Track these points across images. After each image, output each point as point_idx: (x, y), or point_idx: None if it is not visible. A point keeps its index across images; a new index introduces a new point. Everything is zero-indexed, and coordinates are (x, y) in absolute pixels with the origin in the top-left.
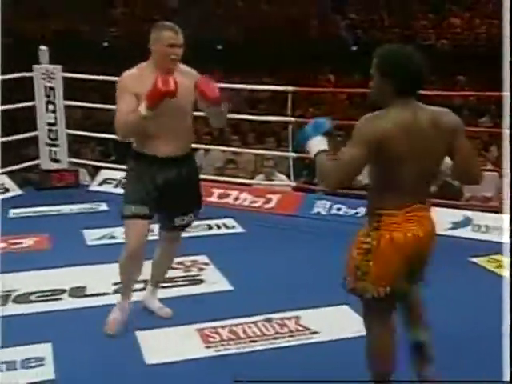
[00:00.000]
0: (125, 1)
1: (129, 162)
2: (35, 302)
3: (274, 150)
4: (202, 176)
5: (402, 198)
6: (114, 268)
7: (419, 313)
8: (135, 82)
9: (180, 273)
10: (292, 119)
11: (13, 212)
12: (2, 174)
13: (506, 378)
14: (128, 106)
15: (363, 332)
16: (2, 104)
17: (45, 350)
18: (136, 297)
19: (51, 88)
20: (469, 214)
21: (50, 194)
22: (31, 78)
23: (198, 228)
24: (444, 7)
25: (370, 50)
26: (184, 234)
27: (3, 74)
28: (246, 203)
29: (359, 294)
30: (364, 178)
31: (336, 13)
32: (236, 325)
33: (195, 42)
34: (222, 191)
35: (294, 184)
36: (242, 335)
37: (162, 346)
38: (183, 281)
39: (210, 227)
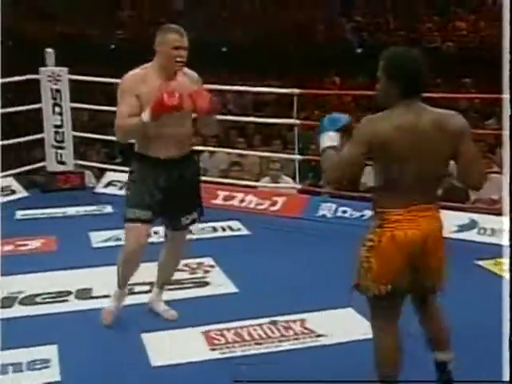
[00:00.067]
0: (132, 3)
1: (132, 165)
2: (41, 303)
3: (280, 153)
4: (207, 178)
5: (405, 198)
6: None
7: (441, 330)
8: (138, 83)
9: (185, 275)
10: (297, 122)
11: (19, 214)
12: (9, 176)
13: (506, 378)
14: (129, 109)
15: (369, 335)
16: (9, 106)
17: (50, 351)
18: (141, 299)
19: (57, 90)
20: (475, 216)
21: (56, 196)
22: (38, 81)
23: (203, 230)
24: (449, 10)
25: (375, 53)
26: (189, 237)
27: (10, 76)
28: (252, 205)
29: (363, 291)
30: (369, 180)
31: (342, 16)
32: (241, 327)
33: (200, 45)
34: (227, 193)
35: (299, 186)
36: (247, 338)
37: (168, 348)
38: (189, 283)
39: (215, 229)
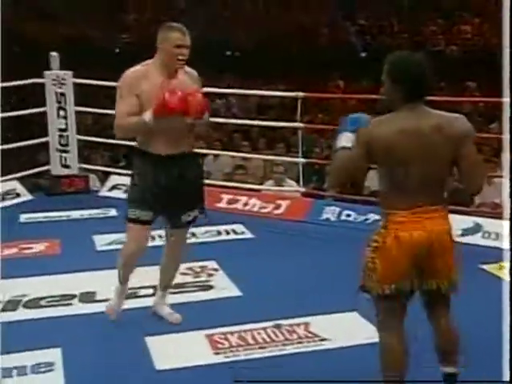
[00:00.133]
0: (137, 7)
1: (134, 161)
2: (45, 307)
3: (284, 156)
4: (211, 181)
5: (409, 200)
6: None
7: (450, 343)
8: (140, 80)
9: (189, 279)
10: (301, 125)
11: (23, 217)
12: (13, 179)
13: (506, 377)
14: (129, 108)
15: (373, 339)
16: (14, 110)
17: (55, 355)
18: (145, 302)
19: (62, 94)
20: (479, 220)
21: (60, 199)
22: (42, 84)
23: (207, 234)
24: (454, 13)
25: (379, 56)
26: (193, 240)
27: (15, 80)
28: (255, 209)
29: (367, 291)
30: (372, 184)
31: (345, 19)
32: (245, 331)
33: (204, 48)
34: (231, 197)
35: (303, 190)
36: (250, 341)
37: (172, 351)
38: (192, 287)
39: (219, 233)
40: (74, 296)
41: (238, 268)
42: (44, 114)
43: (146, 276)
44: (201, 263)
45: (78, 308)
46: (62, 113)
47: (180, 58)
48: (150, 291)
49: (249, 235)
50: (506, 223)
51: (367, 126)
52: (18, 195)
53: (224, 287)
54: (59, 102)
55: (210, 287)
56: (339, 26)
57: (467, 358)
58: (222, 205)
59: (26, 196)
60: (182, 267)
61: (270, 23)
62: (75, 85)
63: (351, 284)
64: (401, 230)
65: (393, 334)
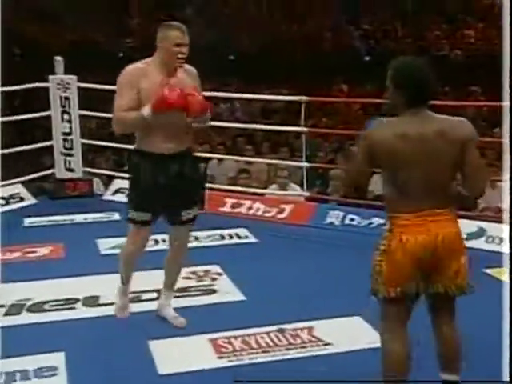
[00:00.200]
0: (141, 12)
1: (132, 162)
2: (49, 311)
3: (288, 160)
4: (215, 186)
5: (413, 203)
6: None
7: (453, 351)
8: (140, 77)
9: (193, 283)
10: (305, 129)
11: (27, 221)
12: (18, 183)
13: (506, 377)
14: (128, 102)
15: (376, 344)
16: (18, 114)
17: (58, 359)
18: (148, 306)
19: (66, 98)
20: (483, 224)
21: (64, 203)
22: (46, 88)
23: (210, 238)
24: (457, 18)
25: (383, 61)
26: (196, 244)
27: (19, 84)
28: (259, 213)
29: (374, 293)
30: (376, 188)
31: (349, 23)
32: (248, 335)
33: (208, 53)
34: (234, 201)
35: (307, 194)
36: (254, 346)
37: (175, 356)
38: (196, 291)
39: (222, 237)
40: (77, 300)
41: (241, 272)
42: (48, 117)
43: (149, 280)
44: (204, 267)
45: (82, 312)
46: (66, 117)
47: (180, 56)
48: (154, 295)
49: (252, 239)
50: (505, 227)
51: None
52: (21, 199)
53: (227, 291)
54: (63, 106)
55: (214, 291)
56: (343, 30)
57: (470, 362)
58: (226, 209)
59: (30, 200)
60: (186, 271)
61: (273, 28)
62: (79, 89)
63: (355, 288)
64: (405, 233)
65: (396, 337)
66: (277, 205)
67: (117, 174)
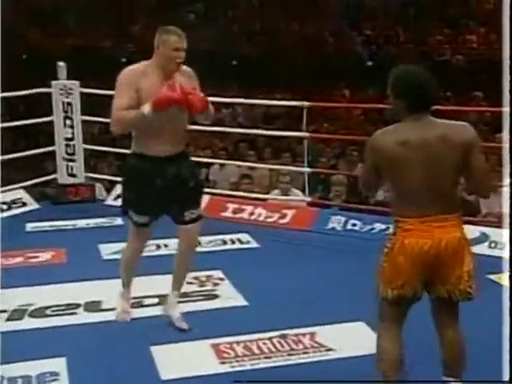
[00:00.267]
0: (143, 17)
1: (128, 166)
2: (51, 316)
3: (289, 165)
4: (216, 191)
5: (417, 209)
6: None
7: (456, 356)
8: (139, 77)
9: (195, 288)
10: (307, 134)
11: (30, 226)
12: (20, 188)
13: (506, 378)
14: (129, 101)
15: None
16: (21, 119)
17: (59, 364)
18: (150, 312)
19: (69, 103)
20: (486, 230)
21: (67, 208)
22: (49, 93)
23: (212, 243)
24: (459, 23)
25: (385, 66)
26: (198, 249)
27: (22, 89)
28: (261, 218)
29: (376, 292)
30: (379, 194)
31: (351, 28)
32: (251, 341)
33: (211, 58)
34: (236, 206)
35: (309, 199)
36: (256, 351)
37: (177, 361)
38: (198, 296)
39: (224, 242)
40: (79, 305)
41: (243, 277)
42: (51, 123)
43: (151, 285)
44: (206, 272)
45: (83, 317)
46: (68, 122)
47: (178, 60)
48: (155, 300)
49: (254, 244)
50: (505, 231)
51: None
52: (24, 204)
53: (230, 296)
54: (66, 112)
55: (216, 296)
56: (345, 35)
57: (472, 367)
58: (228, 214)
59: (33, 205)
60: (188, 276)
61: (276, 33)
62: (82, 94)
63: (357, 293)
64: (408, 237)
65: (390, 336)
66: (279, 210)
67: (119, 179)
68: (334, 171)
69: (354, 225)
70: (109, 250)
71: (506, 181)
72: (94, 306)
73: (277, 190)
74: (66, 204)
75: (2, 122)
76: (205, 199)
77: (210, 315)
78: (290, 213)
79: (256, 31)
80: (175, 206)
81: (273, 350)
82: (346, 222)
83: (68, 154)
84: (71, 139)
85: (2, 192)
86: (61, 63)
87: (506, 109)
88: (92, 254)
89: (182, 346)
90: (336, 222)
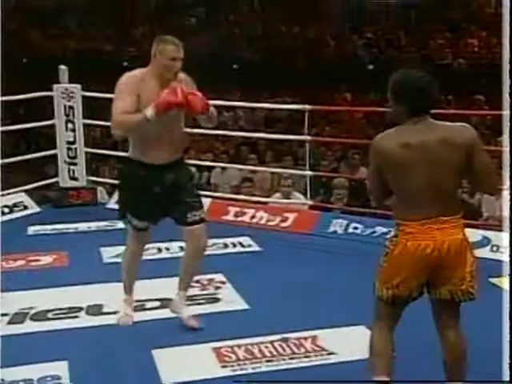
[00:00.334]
0: (145, 21)
1: (125, 169)
2: (52, 319)
3: (291, 169)
4: (218, 194)
5: (418, 211)
6: None
7: (459, 357)
8: (138, 83)
9: (196, 291)
10: (308, 138)
11: (31, 229)
12: (21, 191)
13: (506, 377)
14: (129, 106)
15: None
16: (23, 122)
17: (61, 368)
18: (152, 315)
19: (70, 107)
20: (487, 233)
21: (68, 211)
22: (50, 97)
23: (214, 246)
24: (461, 26)
25: (386, 69)
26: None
27: (24, 92)
28: (263, 221)
29: (373, 290)
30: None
31: (353, 32)
32: (252, 344)
33: (212, 61)
34: (238, 209)
35: (310, 202)
36: (258, 355)
37: (179, 365)
38: (200, 299)
39: (226, 246)
40: (80, 308)
41: (245, 281)
42: (52, 126)
43: (153, 289)
44: (208, 276)
45: (85, 321)
46: (70, 125)
47: (174, 70)
48: (157, 304)
49: (256, 248)
50: (505, 235)
51: None
52: (25, 207)
53: (231, 300)
54: (67, 115)
55: (217, 300)
56: (346, 38)
57: (474, 369)
58: (229, 217)
59: (34, 208)
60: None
61: (277, 36)
62: (84, 98)
63: (359, 297)
64: (410, 240)
65: (382, 336)
66: (280, 213)
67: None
68: (335, 174)
69: (356, 228)
70: (110, 254)
71: (507, 184)
72: (95, 310)
73: (278, 194)
74: (67, 207)
75: (3, 125)
76: (206, 202)
77: (211, 319)
78: (291, 216)
79: (257, 35)
80: (176, 211)
81: (274, 353)
82: (347, 226)
83: (70, 157)
84: (73, 143)
85: (4, 195)
86: (62, 67)
87: (505, 112)
88: (93, 258)
89: (183, 349)
90: (337, 225)
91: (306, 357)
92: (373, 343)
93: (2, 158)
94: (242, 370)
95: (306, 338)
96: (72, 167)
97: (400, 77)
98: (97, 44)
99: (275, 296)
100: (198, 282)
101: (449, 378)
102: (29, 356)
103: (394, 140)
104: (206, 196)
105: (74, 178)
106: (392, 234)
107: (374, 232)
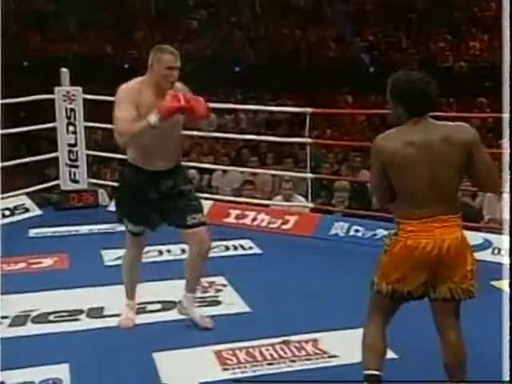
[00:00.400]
0: (146, 24)
1: (124, 174)
2: (53, 322)
3: (292, 171)
4: (219, 197)
5: (419, 210)
6: None
7: (460, 357)
8: (136, 93)
9: (197, 294)
10: (310, 140)
11: (32, 232)
12: (23, 194)
13: (506, 377)
14: (130, 115)
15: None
16: (24, 125)
17: (62, 370)
18: (153, 318)
19: (72, 109)
20: (489, 236)
21: (69, 214)
22: (51, 99)
23: (215, 249)
24: (462, 29)
25: (387, 72)
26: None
27: (26, 95)
28: (264, 224)
29: (371, 285)
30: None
31: (354, 35)
32: (253, 347)
33: (214, 64)
34: (239, 212)
35: (311, 205)
36: (259, 358)
37: (180, 367)
38: (200, 302)
39: (227, 248)
40: (81, 311)
41: (246, 283)
42: (54, 129)
43: (154, 291)
44: (209, 279)
45: (86, 323)
46: (71, 128)
47: (171, 79)
48: (158, 306)
49: (257, 250)
50: (505, 237)
51: None
52: (26, 210)
53: (232, 303)
54: (69, 118)
55: (218, 303)
56: (348, 41)
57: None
58: (230, 220)
59: (35, 211)
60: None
61: (278, 39)
62: (85, 100)
63: (360, 300)
64: (410, 238)
65: (377, 330)
66: (281, 216)
67: None
68: (336, 177)
69: (357, 231)
70: (111, 256)
71: (507, 187)
72: (96, 312)
73: (279, 196)
74: (68, 210)
75: (4, 128)
76: (207, 205)
77: (212, 321)
78: (292, 219)
79: (259, 37)
80: (175, 215)
81: (275, 356)
82: (348, 228)
83: (71, 159)
84: (74, 145)
85: (5, 198)
86: (64, 69)
87: (505, 115)
88: (95, 260)
89: (184, 352)
90: (339, 228)
91: (307, 359)
92: (368, 339)
93: (4, 161)
94: (242, 372)
95: (307, 341)
96: (73, 170)
97: (399, 78)
98: (98, 47)
99: (276, 299)
100: None
101: (449, 379)
102: (30, 359)
103: (398, 139)
104: (207, 198)
105: (75, 181)
106: (392, 231)
107: (375, 235)
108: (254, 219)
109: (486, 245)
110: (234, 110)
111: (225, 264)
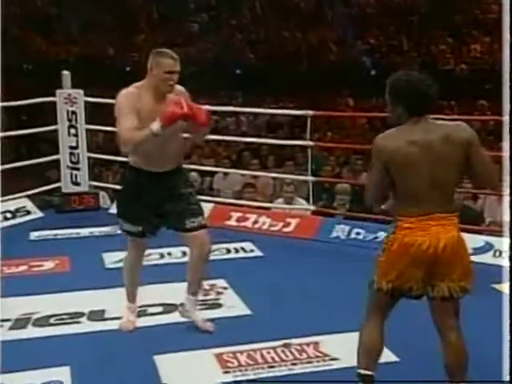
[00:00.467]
0: (148, 27)
1: (125, 175)
2: (54, 325)
3: (293, 174)
4: (220, 199)
5: (417, 208)
6: None
7: (461, 358)
8: (135, 99)
9: (199, 296)
10: (311, 143)
11: (33, 234)
12: (24, 196)
13: (506, 377)
14: (133, 124)
15: (383, 359)
16: (25, 128)
17: (63, 373)
18: (154, 321)
19: (73, 112)
20: (490, 239)
21: (71, 216)
22: (51, 102)
23: (216, 252)
24: (463, 32)
25: (388, 75)
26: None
27: (27, 98)
28: (265, 227)
29: (370, 284)
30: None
31: (355, 37)
32: (254, 350)
33: (215, 67)
34: (240, 215)
35: (313, 208)
36: (260, 360)
37: (181, 370)
38: (201, 305)
39: (228, 251)
40: (83, 314)
41: (247, 286)
42: (55, 131)
43: (155, 294)
44: (210, 281)
45: (87, 326)
46: (73, 131)
47: (170, 83)
48: (159, 309)
49: (258, 253)
50: (506, 240)
51: None
52: (28, 213)
53: (233, 305)
54: (70, 120)
55: (219, 305)
56: (349, 44)
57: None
58: (232, 222)
59: (36, 213)
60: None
61: (279, 41)
62: (86, 103)
63: (361, 302)
64: (407, 235)
65: (378, 332)
66: (282, 219)
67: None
68: (338, 180)
69: (358, 233)
70: (112, 259)
71: (507, 189)
72: (97, 315)
73: (281, 199)
74: (69, 212)
75: (6, 130)
76: (208, 208)
77: (213, 324)
78: (293, 221)
79: (260, 40)
80: (174, 218)
81: (276, 359)
82: (350, 231)
83: (72, 162)
84: (75, 148)
85: (7, 201)
86: (65, 72)
87: (505, 118)
88: (96, 263)
89: (185, 355)
90: (340, 230)
91: (308, 362)
92: (365, 339)
93: (5, 164)
94: (243, 375)
95: (308, 344)
96: (74, 172)
97: (398, 78)
98: (99, 49)
99: (277, 301)
100: None
101: (450, 380)
102: (31, 361)
103: (400, 138)
104: (209, 201)
105: (76, 183)
106: (390, 230)
107: (376, 237)
108: (255, 222)
109: (487, 247)
110: (235, 112)
111: (226, 267)
